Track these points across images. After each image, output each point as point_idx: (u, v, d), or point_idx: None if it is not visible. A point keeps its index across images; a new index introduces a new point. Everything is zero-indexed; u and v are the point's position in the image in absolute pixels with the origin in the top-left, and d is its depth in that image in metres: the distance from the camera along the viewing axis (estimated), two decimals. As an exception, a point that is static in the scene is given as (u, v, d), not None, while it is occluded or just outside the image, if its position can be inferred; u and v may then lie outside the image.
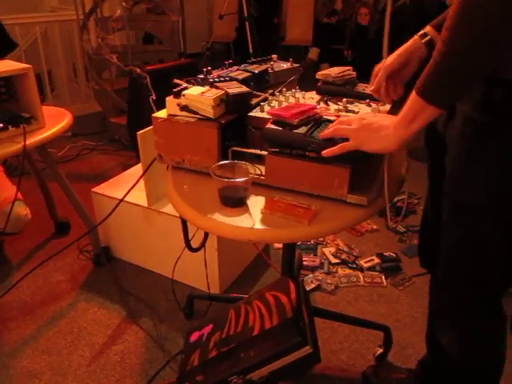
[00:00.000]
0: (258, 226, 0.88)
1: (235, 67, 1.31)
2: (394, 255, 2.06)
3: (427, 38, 1.03)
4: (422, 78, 0.78)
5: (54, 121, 1.68)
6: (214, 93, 1.02)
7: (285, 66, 1.41)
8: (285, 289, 1.37)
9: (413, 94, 0.81)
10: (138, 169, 2.09)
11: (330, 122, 1.01)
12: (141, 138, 1.62)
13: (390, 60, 1.08)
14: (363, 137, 0.87)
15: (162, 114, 1.07)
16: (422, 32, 1.05)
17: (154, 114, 1.06)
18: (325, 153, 0.90)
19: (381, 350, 1.54)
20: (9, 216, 1.74)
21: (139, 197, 1.80)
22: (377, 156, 0.99)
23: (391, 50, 1.15)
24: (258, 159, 1.04)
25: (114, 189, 1.94)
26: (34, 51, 3.69)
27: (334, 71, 1.31)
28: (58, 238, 2.20)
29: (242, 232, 0.88)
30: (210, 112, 1.00)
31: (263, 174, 1.01)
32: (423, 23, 1.12)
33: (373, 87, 1.10)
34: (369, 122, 0.88)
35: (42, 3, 4.10)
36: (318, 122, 1.01)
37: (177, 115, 1.04)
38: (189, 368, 1.32)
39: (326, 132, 0.92)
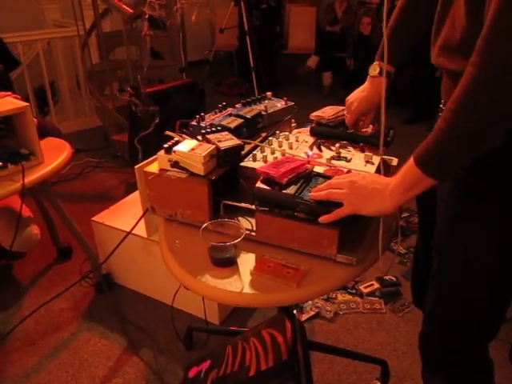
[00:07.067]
0: (247, 290, 0.89)
1: (229, 110, 1.32)
2: (394, 279, 2.06)
3: (392, 77, 1.14)
4: (422, 151, 0.78)
5: (54, 155, 1.70)
6: (204, 149, 1.02)
7: (279, 105, 1.41)
8: (281, 327, 1.38)
9: (411, 163, 0.80)
10: (137, 195, 2.09)
11: (321, 176, 1.02)
12: (138, 172, 1.63)
13: (355, 105, 1.19)
14: (357, 202, 0.86)
15: (153, 167, 1.08)
16: (378, 70, 1.14)
17: (145, 169, 1.07)
18: (321, 219, 0.89)
19: (378, 383, 1.54)
20: (16, 231, 1.70)
21: (138, 226, 1.80)
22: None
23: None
24: (250, 212, 1.05)
25: (114, 217, 1.96)
26: (36, 64, 3.71)
27: (327, 112, 1.31)
28: (61, 263, 2.23)
29: (231, 296, 0.89)
30: (200, 169, 1.01)
31: (254, 228, 1.02)
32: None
33: (347, 122, 1.23)
34: (361, 185, 0.87)
35: (44, 17, 4.12)
36: (309, 177, 1.01)
37: (168, 170, 1.05)
38: (186, 406, 1.34)
39: (319, 195, 0.91)
